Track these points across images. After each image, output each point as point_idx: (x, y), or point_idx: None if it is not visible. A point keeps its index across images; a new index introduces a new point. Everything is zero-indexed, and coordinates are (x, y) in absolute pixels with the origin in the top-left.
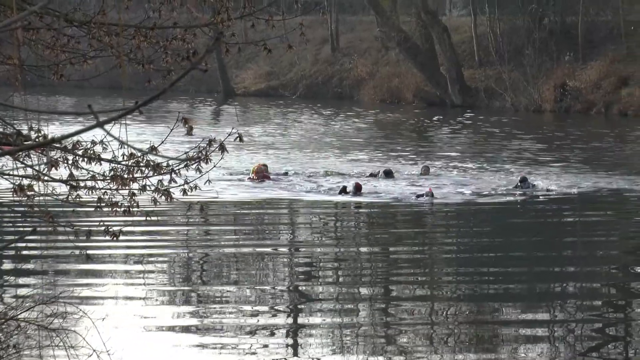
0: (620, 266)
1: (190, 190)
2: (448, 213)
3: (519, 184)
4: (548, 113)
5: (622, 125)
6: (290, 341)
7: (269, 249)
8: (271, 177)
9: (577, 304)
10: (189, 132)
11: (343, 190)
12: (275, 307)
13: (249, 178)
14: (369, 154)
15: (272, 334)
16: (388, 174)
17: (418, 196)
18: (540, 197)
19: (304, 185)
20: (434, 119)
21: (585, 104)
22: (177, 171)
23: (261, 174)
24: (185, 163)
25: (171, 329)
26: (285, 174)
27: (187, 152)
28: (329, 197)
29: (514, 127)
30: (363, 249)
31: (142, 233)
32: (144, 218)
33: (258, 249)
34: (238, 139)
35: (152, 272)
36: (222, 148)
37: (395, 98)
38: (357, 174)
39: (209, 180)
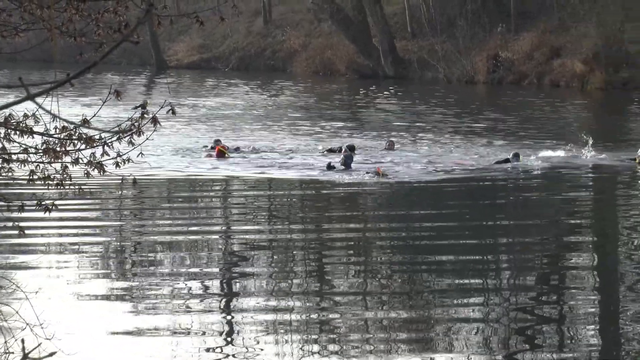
0: (554, 243)
1: (123, 163)
2: (395, 192)
3: (510, 158)
4: (481, 84)
5: (555, 95)
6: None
7: (203, 227)
8: (228, 155)
9: (512, 285)
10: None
11: (329, 167)
12: (210, 286)
13: (208, 155)
14: (317, 128)
15: (208, 311)
16: (351, 149)
17: (367, 173)
18: (514, 173)
19: (260, 162)
20: (371, 88)
21: (518, 75)
22: (109, 144)
23: (221, 156)
24: (117, 135)
25: (105, 300)
26: (237, 149)
27: (120, 124)
28: (277, 175)
29: (467, 98)
30: (295, 231)
31: (76, 207)
32: (76, 191)
33: (192, 227)
34: (171, 111)
35: (85, 245)
36: (155, 121)
37: (327, 70)
38: (316, 150)
39: (141, 153)
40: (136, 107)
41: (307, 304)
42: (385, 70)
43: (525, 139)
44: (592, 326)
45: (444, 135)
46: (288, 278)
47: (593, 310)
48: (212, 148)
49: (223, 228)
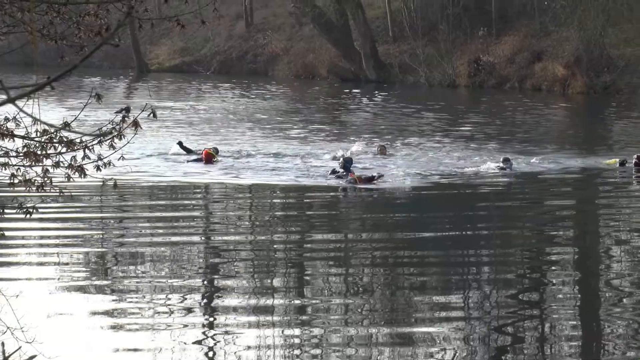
0: (535, 248)
1: (104, 166)
2: (377, 200)
3: (501, 164)
4: (462, 88)
5: (540, 99)
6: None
7: (184, 232)
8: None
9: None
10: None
11: (333, 172)
12: (190, 295)
13: (199, 159)
14: (306, 132)
15: (190, 311)
16: (349, 162)
17: (338, 177)
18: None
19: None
20: (355, 91)
21: (499, 78)
22: (90, 147)
23: (209, 159)
24: (99, 139)
25: (85, 304)
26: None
27: (101, 128)
28: (262, 181)
29: (451, 102)
30: (277, 237)
31: (57, 210)
32: (57, 194)
33: (173, 232)
34: (152, 115)
35: (66, 249)
36: (136, 124)
37: (309, 74)
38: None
39: (122, 157)
40: (120, 111)
41: (288, 315)
42: (367, 74)
43: (511, 143)
44: (575, 342)
45: (433, 140)
46: (269, 286)
47: (574, 323)
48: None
49: (204, 235)
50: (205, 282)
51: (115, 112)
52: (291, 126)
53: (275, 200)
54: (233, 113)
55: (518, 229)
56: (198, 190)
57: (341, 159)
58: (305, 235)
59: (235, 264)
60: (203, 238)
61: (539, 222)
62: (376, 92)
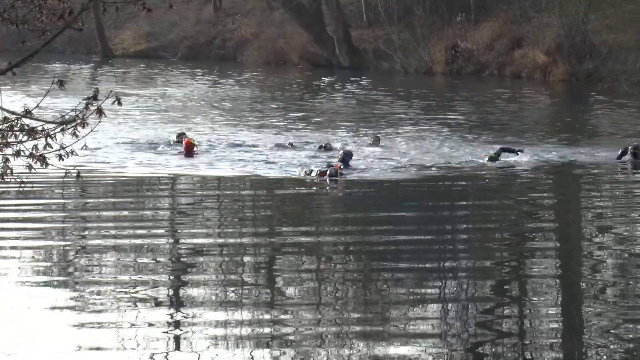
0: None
1: (67, 155)
2: (356, 193)
3: (498, 153)
4: (439, 75)
5: (521, 86)
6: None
7: (150, 229)
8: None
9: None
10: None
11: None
12: (156, 292)
13: (174, 143)
14: (278, 121)
15: (157, 304)
16: (348, 155)
17: (322, 173)
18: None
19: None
20: (329, 79)
21: (478, 65)
22: (52, 135)
23: (190, 150)
24: (61, 127)
25: (45, 301)
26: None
27: (63, 115)
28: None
29: (428, 89)
30: (247, 235)
31: (17, 204)
32: (18, 185)
33: (138, 227)
34: (117, 102)
35: (26, 240)
36: (100, 112)
37: (280, 60)
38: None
39: (85, 146)
40: (89, 98)
41: (257, 312)
42: (340, 60)
43: (492, 133)
44: (555, 340)
45: (414, 130)
46: (237, 284)
47: (555, 321)
48: (179, 142)
49: (170, 230)
50: (171, 278)
51: (84, 99)
52: (267, 115)
53: (249, 193)
54: (203, 101)
55: (498, 223)
56: (168, 183)
57: (340, 152)
58: (281, 232)
59: (203, 259)
60: (171, 233)
61: (520, 217)
62: (350, 79)
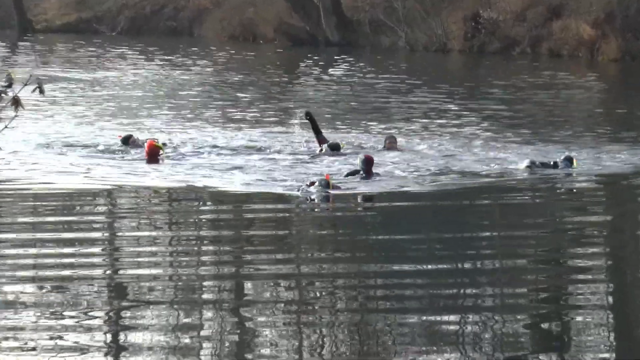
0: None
1: None
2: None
3: (559, 162)
4: (456, 53)
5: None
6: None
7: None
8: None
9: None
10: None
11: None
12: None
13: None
14: (250, 116)
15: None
16: (334, 148)
17: (310, 184)
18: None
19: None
20: (315, 58)
21: (505, 41)
22: None
23: (154, 154)
24: None
25: None
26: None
27: None
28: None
29: (445, 73)
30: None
31: None
32: None
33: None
34: (38, 90)
35: None
36: (17, 103)
37: (249, 34)
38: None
39: None
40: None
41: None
42: (327, 35)
43: (529, 131)
44: None
45: (438, 128)
46: (193, 329)
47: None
48: (127, 145)
49: (108, 258)
50: (106, 321)
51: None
52: (240, 107)
53: (227, 208)
54: (153, 88)
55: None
56: (110, 196)
57: (358, 158)
58: (251, 260)
59: (149, 296)
60: (109, 261)
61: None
62: (340, 57)
